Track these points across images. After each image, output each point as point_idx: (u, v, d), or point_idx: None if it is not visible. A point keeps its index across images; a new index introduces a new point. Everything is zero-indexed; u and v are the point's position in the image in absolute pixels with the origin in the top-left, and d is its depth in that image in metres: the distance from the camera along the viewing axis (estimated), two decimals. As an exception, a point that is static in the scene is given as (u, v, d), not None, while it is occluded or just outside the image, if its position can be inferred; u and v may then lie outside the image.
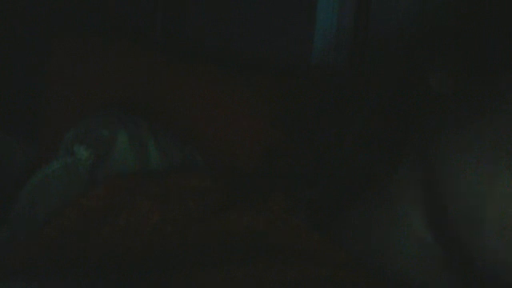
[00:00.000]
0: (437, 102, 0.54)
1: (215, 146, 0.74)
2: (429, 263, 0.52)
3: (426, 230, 0.51)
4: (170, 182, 0.59)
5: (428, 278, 0.52)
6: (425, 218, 0.51)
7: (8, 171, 0.81)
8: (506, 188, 0.45)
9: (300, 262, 0.50)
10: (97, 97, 0.79)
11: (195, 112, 0.76)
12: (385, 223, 0.54)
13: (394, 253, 0.53)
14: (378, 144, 0.57)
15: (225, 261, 0.50)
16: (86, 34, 0.85)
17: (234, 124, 0.75)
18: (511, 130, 0.46)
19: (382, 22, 0.76)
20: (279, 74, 0.80)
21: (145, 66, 0.80)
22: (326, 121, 0.61)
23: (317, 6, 0.78)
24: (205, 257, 0.52)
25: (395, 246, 0.53)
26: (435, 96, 0.54)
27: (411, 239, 0.52)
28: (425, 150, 0.52)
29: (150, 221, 0.56)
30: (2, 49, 0.94)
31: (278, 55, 0.83)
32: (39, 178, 0.64)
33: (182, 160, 0.66)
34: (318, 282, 0.49)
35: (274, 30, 0.82)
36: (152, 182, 0.59)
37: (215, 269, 0.49)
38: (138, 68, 0.80)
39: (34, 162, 0.80)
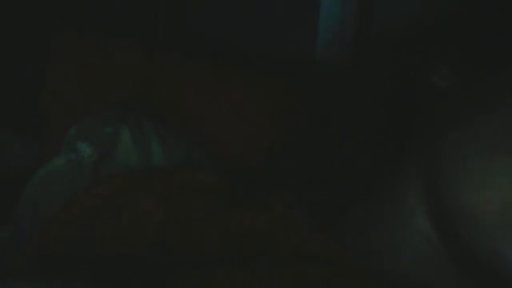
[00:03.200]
0: (440, 98, 0.54)
1: (218, 144, 0.74)
2: (434, 262, 0.51)
3: (430, 229, 0.51)
4: (173, 179, 0.59)
5: (433, 276, 0.52)
6: (429, 217, 0.51)
7: (10, 169, 0.81)
8: (508, 186, 0.45)
9: (302, 262, 0.50)
10: (98, 95, 0.79)
11: (198, 110, 0.76)
12: (389, 222, 0.54)
13: (399, 252, 0.53)
14: (381, 142, 0.57)
15: (226, 260, 0.50)
16: (87, 33, 0.85)
17: (236, 122, 0.75)
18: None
19: (386, 17, 0.76)
20: (282, 72, 0.80)
21: (146, 65, 0.80)
22: (329, 119, 0.61)
23: (320, 3, 0.78)
24: (207, 255, 0.52)
25: (400, 246, 0.53)
26: (438, 92, 0.54)
27: (416, 238, 0.52)
28: (428, 147, 0.52)
29: (153, 219, 0.56)
30: (3, 47, 0.94)
31: (282, 49, 0.83)
32: (42, 176, 0.64)
33: (184, 157, 0.66)
34: (320, 281, 0.48)
35: (277, 24, 0.82)
36: (155, 180, 0.59)
37: (216, 268, 0.49)
38: (139, 66, 0.80)
39: (37, 159, 0.80)
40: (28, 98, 0.91)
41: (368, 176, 0.57)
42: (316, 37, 0.79)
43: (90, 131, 0.64)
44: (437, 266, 0.51)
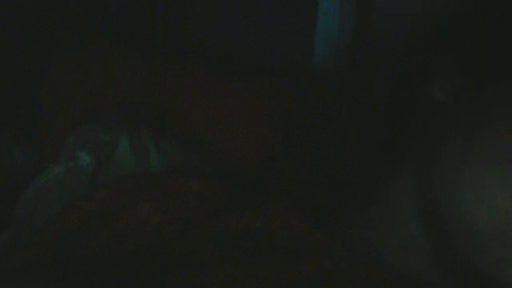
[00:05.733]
0: (438, 110, 0.54)
1: (216, 148, 0.74)
2: (421, 261, 0.52)
3: (420, 232, 0.52)
4: (170, 183, 0.60)
5: (421, 273, 0.52)
6: (424, 226, 0.52)
7: (9, 174, 0.81)
8: (507, 199, 0.46)
9: (300, 261, 0.50)
10: (97, 100, 0.80)
11: (196, 115, 0.76)
12: (384, 228, 0.54)
13: (392, 255, 0.53)
14: (379, 151, 0.57)
15: (225, 261, 0.50)
16: (86, 38, 0.86)
17: (234, 127, 0.75)
18: (510, 137, 0.47)
19: (383, 28, 0.77)
20: (280, 78, 0.80)
21: (145, 70, 0.80)
22: (327, 125, 0.61)
23: (318, 12, 0.79)
24: (205, 257, 0.52)
25: (393, 250, 0.53)
26: (435, 103, 0.54)
27: (409, 245, 0.53)
28: (426, 158, 0.52)
29: (150, 222, 0.56)
30: (2, 51, 0.94)
31: (279, 60, 0.83)
32: (41, 183, 0.64)
33: (182, 163, 0.66)
34: (319, 278, 0.49)
35: (275, 36, 0.82)
36: (152, 184, 0.59)
37: (215, 269, 0.49)
38: (138, 72, 0.80)
39: (35, 163, 0.80)
40: (27, 104, 0.91)
41: (365, 182, 0.57)
42: (313, 46, 0.79)
43: (89, 139, 0.64)
44: (425, 264, 0.52)
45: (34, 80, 0.89)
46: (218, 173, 0.66)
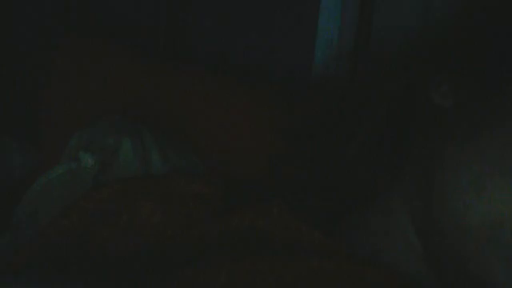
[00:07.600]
0: (439, 115, 0.54)
1: (218, 154, 0.75)
2: (418, 264, 0.53)
3: (416, 238, 0.52)
4: (170, 184, 0.60)
5: (417, 276, 0.53)
6: (416, 225, 0.52)
7: (9, 174, 0.81)
8: (502, 204, 0.46)
9: (300, 261, 0.50)
10: (98, 102, 0.80)
11: (198, 120, 0.76)
12: (383, 228, 0.55)
13: (390, 254, 0.54)
14: (379, 157, 0.57)
15: (225, 261, 0.50)
16: (87, 39, 0.86)
17: (236, 133, 0.75)
18: (510, 138, 0.47)
19: (384, 35, 0.77)
20: (281, 85, 0.80)
21: (148, 73, 0.80)
22: (328, 131, 0.61)
23: (318, 18, 0.79)
24: (205, 257, 0.52)
25: (390, 249, 0.54)
26: (436, 110, 0.54)
27: (404, 243, 0.53)
28: (423, 157, 0.53)
29: (150, 222, 0.56)
30: (4, 51, 0.94)
31: (280, 66, 0.83)
32: (43, 183, 0.64)
33: (183, 167, 0.66)
34: (319, 281, 0.49)
35: (275, 42, 0.82)
36: (153, 185, 0.60)
37: (215, 269, 0.49)
38: (141, 75, 0.80)
39: (35, 163, 0.80)
40: (27, 104, 0.91)
41: (366, 186, 0.57)
42: (313, 53, 0.79)
43: (92, 141, 0.64)
44: (419, 267, 0.52)
45: (34, 80, 0.89)
46: (219, 178, 0.66)
